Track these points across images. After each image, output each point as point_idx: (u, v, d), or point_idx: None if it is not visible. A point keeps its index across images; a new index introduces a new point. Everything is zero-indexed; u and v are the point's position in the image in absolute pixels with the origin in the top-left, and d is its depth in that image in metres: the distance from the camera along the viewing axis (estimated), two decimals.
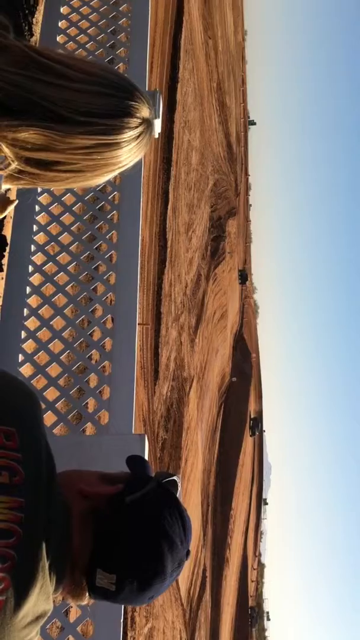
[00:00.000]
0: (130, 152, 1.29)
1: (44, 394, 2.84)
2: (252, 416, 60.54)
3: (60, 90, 1.20)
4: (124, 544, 1.15)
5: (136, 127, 1.28)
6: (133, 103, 1.27)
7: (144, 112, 1.29)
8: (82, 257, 3.31)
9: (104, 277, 3.21)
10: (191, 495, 31.44)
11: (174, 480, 1.24)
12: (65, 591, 1.17)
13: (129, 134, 1.27)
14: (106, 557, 1.14)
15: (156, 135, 3.81)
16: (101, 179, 1.32)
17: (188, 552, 1.17)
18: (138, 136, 1.29)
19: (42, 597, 1.08)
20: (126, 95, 1.27)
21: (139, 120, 1.28)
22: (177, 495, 1.23)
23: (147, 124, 1.31)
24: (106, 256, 3.28)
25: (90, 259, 3.37)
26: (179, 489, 1.25)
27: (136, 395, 2.96)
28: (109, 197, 3.39)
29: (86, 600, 1.18)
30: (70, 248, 3.23)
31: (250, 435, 58.61)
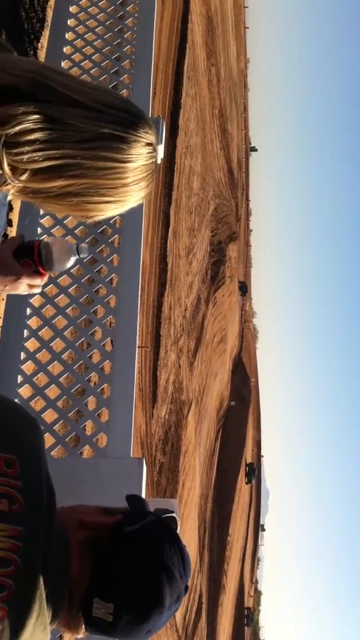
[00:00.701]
0: (137, 172, 1.22)
1: (43, 415, 2.84)
2: (247, 462, 56.43)
3: (78, 85, 1.18)
4: (123, 573, 1.14)
5: (146, 144, 1.22)
6: (141, 123, 1.22)
7: (151, 136, 1.25)
8: (82, 280, 3.33)
9: (105, 300, 3.22)
10: (188, 519, 31.14)
11: (172, 516, 1.24)
12: (62, 623, 1.16)
13: (140, 145, 1.21)
14: (104, 586, 1.13)
15: (159, 161, 3.86)
16: (106, 209, 1.25)
17: (187, 588, 1.16)
18: (147, 156, 1.23)
19: (39, 627, 1.06)
20: (134, 115, 1.22)
21: (148, 140, 1.23)
22: (176, 531, 1.23)
23: (154, 150, 1.25)
24: (107, 279, 3.30)
25: (91, 281, 3.39)
26: (178, 525, 1.25)
27: (134, 417, 2.96)
28: (111, 221, 3.42)
29: (82, 633, 1.17)
30: (71, 271, 3.25)
31: (246, 483, 55.36)
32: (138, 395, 15.04)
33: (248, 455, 77.31)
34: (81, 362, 3.05)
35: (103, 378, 3.01)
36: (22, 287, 1.62)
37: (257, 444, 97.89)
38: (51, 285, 3.20)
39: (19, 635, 1.03)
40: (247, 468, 60.64)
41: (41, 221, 3.33)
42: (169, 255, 20.09)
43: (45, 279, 1.64)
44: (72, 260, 1.63)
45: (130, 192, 1.23)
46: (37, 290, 1.68)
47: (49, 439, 2.74)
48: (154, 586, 1.13)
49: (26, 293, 1.66)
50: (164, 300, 18.95)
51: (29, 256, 1.58)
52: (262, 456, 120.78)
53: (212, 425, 43.93)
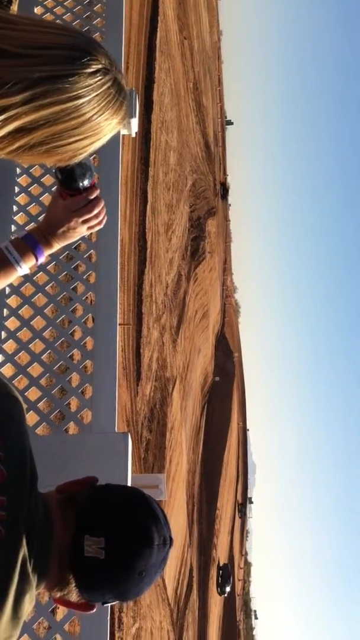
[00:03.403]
0: (94, 104, 1.11)
1: (26, 394, 2.84)
2: (220, 565, 47.94)
3: (5, 30, 1.06)
4: (108, 509, 1.16)
5: (91, 73, 1.09)
6: (82, 52, 1.09)
7: (97, 62, 1.11)
8: (60, 257, 3.30)
9: (84, 277, 3.21)
10: (176, 495, 31.39)
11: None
12: (50, 585, 1.16)
13: (84, 76, 1.08)
14: (92, 523, 1.14)
15: (133, 134, 3.82)
16: (81, 147, 1.16)
17: (171, 540, 1.17)
18: (99, 84, 1.11)
19: (24, 595, 1.07)
20: (72, 48, 1.09)
21: (93, 69, 1.10)
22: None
23: (106, 73, 1.12)
24: (85, 255, 3.28)
25: (69, 258, 3.37)
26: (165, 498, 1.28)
27: (119, 396, 2.96)
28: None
29: (74, 594, 1.17)
30: None
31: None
32: (122, 374, 15.06)
33: (233, 431, 77.96)
34: (63, 339, 3.04)
35: (85, 354, 3.01)
36: (79, 226, 1.51)
37: (243, 418, 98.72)
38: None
39: (3, 603, 1.03)
40: (221, 571, 48.47)
41: (17, 199, 3.30)
42: (148, 232, 20.01)
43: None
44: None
45: (98, 125, 1.15)
46: (99, 225, 1.55)
47: (33, 417, 2.75)
48: (140, 521, 1.14)
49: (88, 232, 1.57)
50: (144, 277, 18.90)
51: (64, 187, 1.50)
52: (248, 430, 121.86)
53: (197, 401, 44.14)
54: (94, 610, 1.22)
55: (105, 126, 1.16)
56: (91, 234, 3.33)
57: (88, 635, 2.35)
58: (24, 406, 1.24)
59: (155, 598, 20.58)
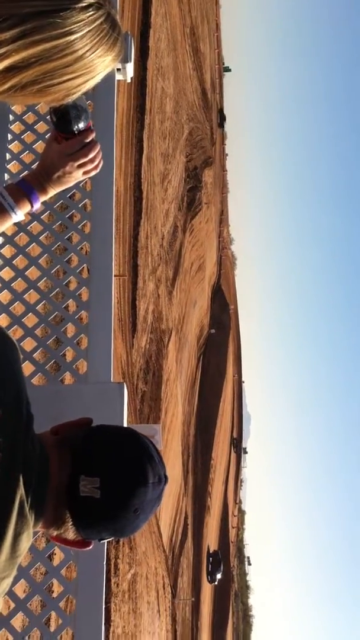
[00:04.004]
0: (86, 40, 1.06)
1: (21, 344, 2.83)
2: (210, 551, 45.78)
3: None
4: (103, 449, 1.17)
5: (82, 7, 1.04)
6: None
7: None
8: (55, 207, 3.25)
9: (78, 226, 3.16)
10: (172, 445, 31.88)
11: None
12: (47, 523, 1.17)
13: (76, 11, 1.03)
14: (87, 463, 1.15)
15: (129, 80, 3.72)
16: (74, 86, 1.12)
17: (166, 477, 1.19)
18: (91, 19, 1.06)
19: (22, 533, 1.08)
20: None
21: (84, 3, 1.04)
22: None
23: (99, 8, 1.07)
24: (80, 205, 3.22)
25: (64, 208, 3.32)
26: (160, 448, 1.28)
27: (115, 348, 2.96)
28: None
29: (70, 532, 1.18)
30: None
31: (209, 582, 46.91)
32: (117, 326, 15.09)
33: (229, 383, 78.72)
34: (57, 289, 3.01)
35: (81, 305, 2.98)
36: (74, 171, 1.48)
37: (238, 370, 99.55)
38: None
39: (1, 542, 1.04)
40: (211, 559, 45.42)
41: (10, 146, 3.22)
42: (144, 182, 19.78)
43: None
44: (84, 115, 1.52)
45: (91, 63, 1.10)
46: (95, 170, 1.51)
47: (29, 367, 2.74)
48: (135, 460, 1.16)
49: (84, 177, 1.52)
50: (140, 229, 18.77)
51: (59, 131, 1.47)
52: (243, 382, 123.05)
53: (193, 353, 44.45)
54: (91, 547, 1.23)
55: (98, 63, 1.11)
56: (85, 182, 3.28)
57: (84, 579, 2.39)
58: (18, 349, 1.24)
59: (151, 545, 21.07)
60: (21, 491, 1.08)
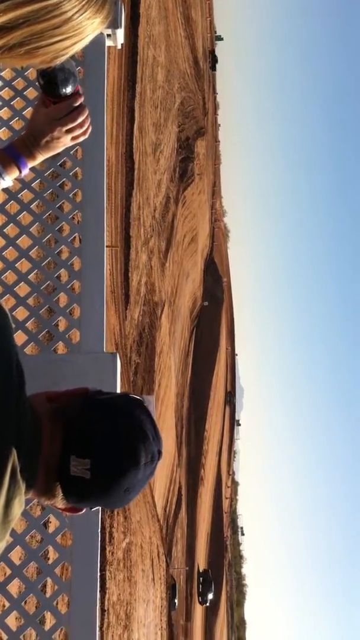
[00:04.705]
0: (74, 2, 1.05)
1: (14, 313, 2.81)
2: (200, 571, 43.87)
3: None
4: (95, 431, 1.15)
5: None
6: None
7: None
8: (46, 174, 3.21)
9: (70, 195, 3.13)
10: (165, 417, 32.07)
11: (140, 399, 1.25)
12: (38, 492, 1.17)
13: None
14: (79, 445, 1.14)
15: (119, 46, 3.65)
16: (62, 48, 1.10)
17: (160, 453, 1.18)
18: None
19: (14, 499, 1.08)
20: None
21: None
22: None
23: None
24: (71, 173, 3.19)
25: (54, 176, 3.28)
26: (154, 416, 1.26)
27: (107, 319, 2.94)
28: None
29: (60, 502, 1.18)
30: (34, 165, 3.13)
31: (200, 603, 44.35)
32: (110, 297, 15.06)
33: (222, 355, 79.01)
34: (49, 258, 2.99)
35: (73, 275, 2.96)
36: (62, 136, 1.45)
37: (231, 343, 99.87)
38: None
39: None
40: (201, 578, 43.19)
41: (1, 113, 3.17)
42: (135, 152, 19.59)
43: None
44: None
45: (80, 25, 1.09)
46: (84, 135, 1.49)
47: (21, 337, 2.73)
48: (127, 441, 1.14)
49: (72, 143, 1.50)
50: (132, 200, 18.63)
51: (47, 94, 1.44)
52: (236, 355, 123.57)
53: (186, 325, 44.53)
54: (83, 512, 1.24)
55: (87, 26, 1.09)
56: (76, 150, 3.24)
57: (79, 548, 2.41)
58: (9, 316, 1.22)
59: (145, 514, 21.31)
60: (14, 456, 1.07)
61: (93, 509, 1.23)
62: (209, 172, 65.89)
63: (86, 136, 1.52)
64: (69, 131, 1.45)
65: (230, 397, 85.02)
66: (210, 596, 44.40)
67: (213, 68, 73.25)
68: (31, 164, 1.47)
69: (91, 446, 1.14)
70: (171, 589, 27.70)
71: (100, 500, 1.18)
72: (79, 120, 1.45)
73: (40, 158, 1.49)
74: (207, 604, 44.84)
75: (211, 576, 43.52)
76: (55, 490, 1.15)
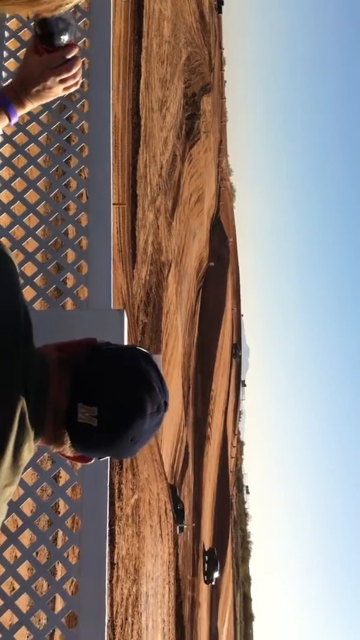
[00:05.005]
0: None
1: (22, 268, 2.80)
2: (206, 550, 42.94)
3: None
4: (103, 381, 1.16)
5: None
6: None
7: None
8: (52, 128, 3.16)
9: (76, 149, 3.08)
10: (172, 377, 32.28)
11: (148, 353, 1.25)
12: (46, 440, 1.18)
13: None
14: (87, 392, 1.14)
15: None
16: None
17: (166, 405, 1.18)
18: None
19: (23, 444, 1.09)
20: None
21: None
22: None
23: None
24: (77, 127, 3.14)
25: (61, 129, 3.23)
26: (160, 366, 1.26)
27: (115, 279, 2.94)
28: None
29: (69, 451, 1.19)
30: (40, 118, 3.08)
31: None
32: (117, 256, 15.01)
33: (228, 315, 79.07)
34: (57, 214, 2.96)
35: (80, 230, 2.94)
36: (55, 86, 1.43)
37: (237, 303, 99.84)
38: (20, 133, 3.04)
39: (4, 449, 1.05)
40: (207, 557, 42.31)
41: (5, 60, 3.11)
42: (142, 108, 19.29)
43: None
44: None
45: None
46: (75, 86, 1.47)
47: (30, 292, 2.72)
48: (133, 391, 1.15)
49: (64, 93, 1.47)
50: (138, 157, 18.42)
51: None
52: (242, 315, 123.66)
53: (192, 286, 44.48)
54: (92, 462, 1.25)
55: None
56: (82, 103, 3.18)
57: (88, 501, 2.44)
58: (16, 264, 1.22)
59: (153, 472, 21.62)
60: (22, 402, 1.07)
61: (102, 459, 1.25)
62: (215, 130, 65.01)
63: (78, 87, 1.50)
64: (62, 81, 1.43)
65: (235, 350, 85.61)
66: (216, 575, 44.47)
67: (219, 10, 71.87)
68: (21, 112, 1.45)
69: (98, 394, 1.14)
70: (178, 513, 27.87)
71: (107, 449, 1.18)
72: (74, 70, 1.42)
73: (30, 107, 1.46)
74: (213, 583, 44.84)
75: (217, 555, 43.56)
76: (63, 437, 1.16)
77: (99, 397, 1.14)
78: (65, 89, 1.45)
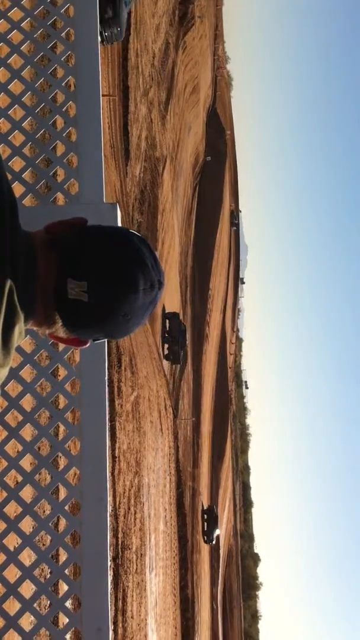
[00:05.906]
0: None
1: (10, 164, 2.72)
2: (205, 508, 40.09)
3: None
4: (92, 254, 1.14)
5: None
6: None
7: None
8: (35, 13, 2.98)
9: (61, 34, 2.92)
10: (169, 276, 32.27)
11: (143, 236, 1.21)
12: (37, 322, 1.17)
13: None
14: (75, 268, 1.12)
15: None
16: None
17: (160, 283, 1.16)
18: None
19: (14, 325, 1.08)
20: None
21: None
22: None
23: None
24: (62, 10, 2.95)
25: (44, 14, 3.04)
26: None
27: (108, 177, 2.85)
28: None
29: (61, 332, 1.18)
30: (22, 3, 2.89)
31: (206, 542, 39.55)
32: (110, 153, 14.60)
33: (225, 212, 78.15)
34: (43, 104, 2.85)
35: (68, 121, 2.83)
36: None
37: (235, 199, 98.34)
38: (1, 20, 2.87)
39: None
40: (205, 516, 39.65)
41: None
42: None
43: None
44: None
45: None
46: None
47: (19, 188, 2.65)
48: (124, 265, 1.13)
49: None
50: (129, 46, 17.55)
51: None
52: (240, 212, 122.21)
53: (189, 182, 43.65)
54: (87, 345, 1.23)
55: None
56: None
57: (87, 393, 2.47)
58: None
59: (152, 370, 22.03)
60: (9, 282, 1.05)
61: (97, 341, 1.23)
62: (210, 15, 61.79)
63: None
64: None
65: (233, 219, 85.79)
66: (217, 533, 42.20)
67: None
68: None
69: (87, 268, 1.12)
70: (181, 334, 28.40)
71: (100, 327, 1.17)
72: None
73: None
74: (214, 542, 42.80)
75: (216, 512, 41.31)
76: (54, 317, 1.15)
77: (88, 271, 1.12)
78: None
